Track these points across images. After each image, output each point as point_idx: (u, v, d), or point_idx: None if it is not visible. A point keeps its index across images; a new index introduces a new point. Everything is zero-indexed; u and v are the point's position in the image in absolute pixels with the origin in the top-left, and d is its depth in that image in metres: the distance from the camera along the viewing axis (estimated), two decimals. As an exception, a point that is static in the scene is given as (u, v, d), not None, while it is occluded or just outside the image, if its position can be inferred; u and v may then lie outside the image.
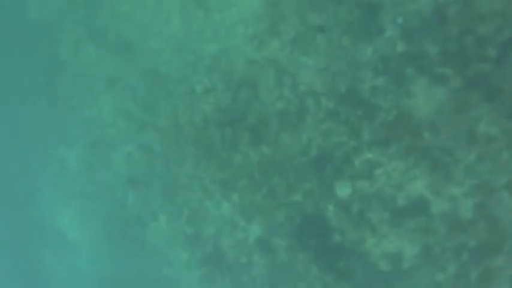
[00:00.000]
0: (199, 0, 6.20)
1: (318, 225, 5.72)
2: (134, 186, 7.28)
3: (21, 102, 8.72)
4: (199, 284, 7.04)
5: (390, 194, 5.14)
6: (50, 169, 8.42)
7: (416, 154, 4.93)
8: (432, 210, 4.91)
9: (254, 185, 6.09)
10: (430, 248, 5.01)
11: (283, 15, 5.66)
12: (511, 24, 4.15)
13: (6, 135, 9.17)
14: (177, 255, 7.20)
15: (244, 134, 6.05)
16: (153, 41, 6.84)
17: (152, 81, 6.95)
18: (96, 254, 8.36)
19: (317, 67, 5.39)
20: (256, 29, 5.94)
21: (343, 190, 5.43)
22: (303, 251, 5.93)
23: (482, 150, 4.53)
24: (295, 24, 5.55)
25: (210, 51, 6.35)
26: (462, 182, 4.69)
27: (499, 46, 4.24)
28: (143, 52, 6.96)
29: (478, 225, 4.68)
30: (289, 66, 5.63)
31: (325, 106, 5.41)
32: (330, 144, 5.47)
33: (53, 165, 8.34)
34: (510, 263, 4.64)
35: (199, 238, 6.84)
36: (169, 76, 6.75)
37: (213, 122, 6.34)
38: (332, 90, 5.33)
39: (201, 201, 6.57)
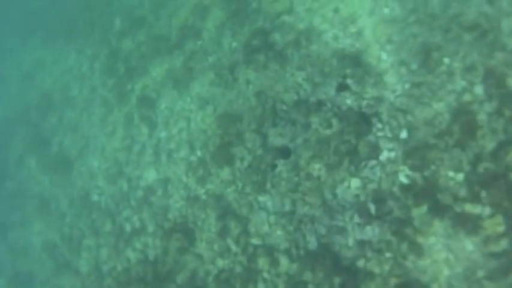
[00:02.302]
0: (147, 113, 5.63)
1: None
2: None
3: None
4: None
5: None
6: (-23, 297, 7.85)
7: None
8: None
9: None
10: None
11: (241, 134, 4.13)
12: None
13: None
14: None
15: (169, 302, 4.27)
16: (92, 158, 6.30)
17: (82, 210, 6.13)
18: None
19: (277, 210, 3.63)
20: (205, 152, 4.46)
21: None
22: None
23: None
24: (254, 145, 3.97)
25: (147, 180, 5.32)
26: None
27: None
28: (80, 172, 6.50)
29: None
30: (240, 207, 3.90)
31: (286, 270, 3.56)
32: (289, 332, 3.47)
33: (-20, 293, 7.79)
34: None
35: None
36: (99, 207, 5.88)
37: (136, 276, 4.87)
38: (297, 246, 3.52)
39: None
